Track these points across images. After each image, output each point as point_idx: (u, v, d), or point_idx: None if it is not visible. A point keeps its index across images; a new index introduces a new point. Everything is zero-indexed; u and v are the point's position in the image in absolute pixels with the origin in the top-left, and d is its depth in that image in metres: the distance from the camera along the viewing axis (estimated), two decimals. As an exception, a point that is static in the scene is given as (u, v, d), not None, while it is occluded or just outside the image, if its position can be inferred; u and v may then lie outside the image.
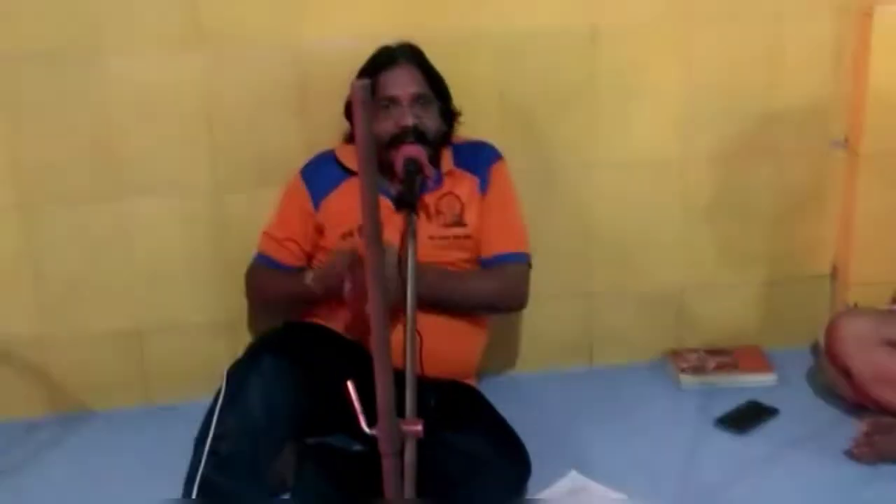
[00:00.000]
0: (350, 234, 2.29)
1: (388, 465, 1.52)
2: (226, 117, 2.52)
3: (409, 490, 1.56)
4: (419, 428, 1.58)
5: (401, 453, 1.58)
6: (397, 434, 1.53)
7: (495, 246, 2.35)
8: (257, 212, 2.50)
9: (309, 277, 2.25)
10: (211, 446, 1.96)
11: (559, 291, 2.76)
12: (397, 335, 1.83)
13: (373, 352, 1.46)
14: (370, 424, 1.50)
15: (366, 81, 1.31)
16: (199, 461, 1.95)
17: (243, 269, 2.51)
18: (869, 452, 2.31)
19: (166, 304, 2.63)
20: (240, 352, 2.20)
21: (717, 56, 2.65)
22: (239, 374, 2.04)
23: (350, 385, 1.52)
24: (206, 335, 2.63)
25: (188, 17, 2.43)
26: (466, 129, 2.48)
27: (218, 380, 2.09)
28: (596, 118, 2.66)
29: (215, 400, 2.03)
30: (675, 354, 2.80)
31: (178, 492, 1.99)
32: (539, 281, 2.60)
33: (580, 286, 2.79)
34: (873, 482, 2.25)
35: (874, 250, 2.74)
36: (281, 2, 2.45)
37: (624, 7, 2.58)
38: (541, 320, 2.75)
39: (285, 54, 2.50)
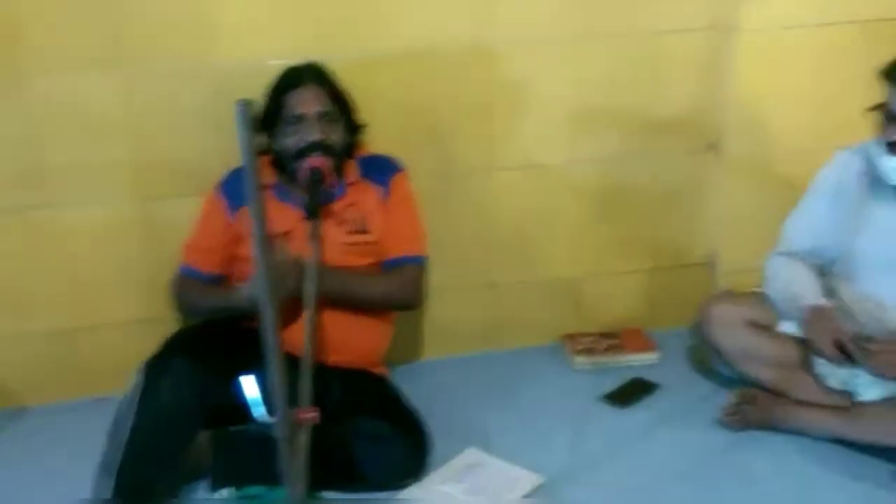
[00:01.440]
0: None
1: (283, 449, 1.53)
2: (146, 131, 2.48)
3: (302, 471, 1.57)
4: (313, 415, 1.60)
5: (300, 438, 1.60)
6: (291, 421, 1.54)
7: (395, 250, 2.36)
8: (178, 218, 2.48)
9: (244, 291, 2.22)
10: (128, 438, 1.94)
11: (465, 283, 2.78)
12: (300, 329, 1.85)
13: (265, 348, 1.47)
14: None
15: (247, 102, 1.33)
16: (114, 451, 1.94)
17: (168, 271, 2.47)
18: (737, 420, 2.37)
19: (97, 304, 2.58)
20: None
21: (601, 68, 2.68)
22: (152, 369, 2.04)
23: (245, 379, 1.53)
24: (135, 331, 2.58)
25: (109, 38, 2.39)
26: (375, 140, 2.48)
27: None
28: (492, 127, 2.67)
29: (129, 394, 2.02)
30: (571, 338, 2.84)
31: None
32: (446, 274, 2.64)
33: (484, 278, 2.81)
34: (742, 446, 2.32)
35: (743, 241, 2.79)
36: (196, 23, 2.43)
37: (516, 25, 2.59)
38: (448, 310, 2.77)
39: (201, 72, 2.46)
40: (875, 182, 2.26)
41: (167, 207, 2.54)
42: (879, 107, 2.15)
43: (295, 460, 1.52)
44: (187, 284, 2.40)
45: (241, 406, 2.04)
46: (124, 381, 2.27)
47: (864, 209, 2.29)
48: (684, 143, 2.80)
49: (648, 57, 2.70)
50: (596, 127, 2.73)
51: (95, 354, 2.62)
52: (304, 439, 1.60)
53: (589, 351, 2.77)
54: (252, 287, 2.17)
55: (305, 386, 1.65)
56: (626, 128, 2.75)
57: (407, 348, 2.76)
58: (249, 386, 1.54)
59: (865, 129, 2.21)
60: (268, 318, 1.46)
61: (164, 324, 2.56)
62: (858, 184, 2.30)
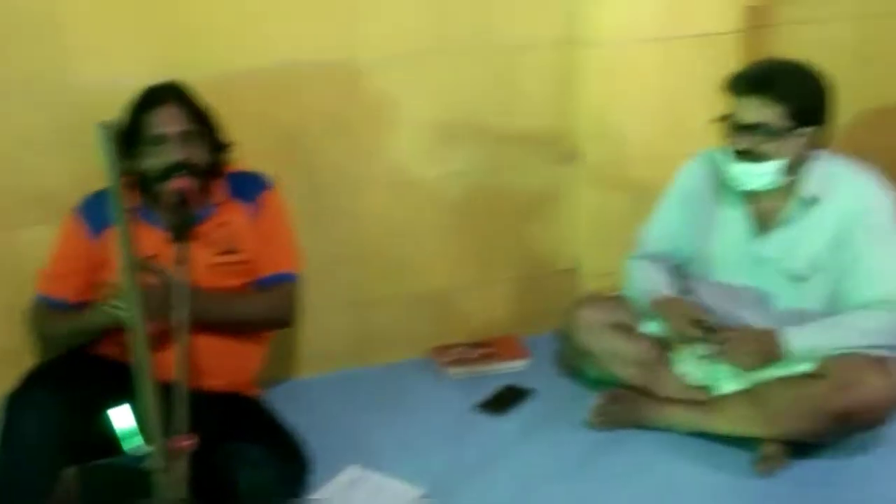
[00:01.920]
0: None
1: (159, 479, 1.48)
2: (-1, 155, 2.37)
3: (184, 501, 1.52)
4: (190, 443, 1.55)
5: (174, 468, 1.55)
6: (166, 451, 1.49)
7: (266, 268, 2.31)
8: (31, 247, 2.36)
9: (98, 312, 2.13)
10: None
11: (335, 300, 2.75)
12: (171, 355, 1.79)
13: (136, 379, 1.42)
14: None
15: (108, 124, 1.28)
16: None
17: (21, 299, 2.34)
18: (605, 421, 2.44)
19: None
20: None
21: (463, 83, 2.72)
22: (13, 403, 1.93)
23: (113, 412, 1.47)
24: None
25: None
26: (239, 159, 2.42)
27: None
28: (359, 142, 2.67)
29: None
30: (440, 350, 2.85)
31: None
32: (315, 292, 2.60)
33: (353, 294, 2.79)
34: (611, 446, 2.38)
35: (605, 246, 2.87)
36: (45, 43, 2.32)
37: (380, 40, 2.60)
38: (319, 328, 2.74)
39: (51, 94, 2.36)
40: (723, 187, 2.38)
41: (18, 236, 2.42)
42: (725, 117, 2.26)
43: (175, 490, 1.47)
44: (46, 313, 2.28)
45: (110, 438, 1.97)
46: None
47: (714, 213, 2.41)
48: (544, 154, 2.86)
49: (506, 71, 2.75)
50: (460, 140, 2.77)
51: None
52: (182, 468, 1.54)
53: (461, 361, 2.79)
54: (117, 310, 2.09)
55: (181, 413, 1.60)
56: (488, 140, 2.80)
57: (279, 368, 2.71)
58: (121, 417, 1.47)
59: (714, 137, 2.32)
60: (139, 345, 1.41)
61: (19, 356, 2.43)
62: (708, 189, 2.42)
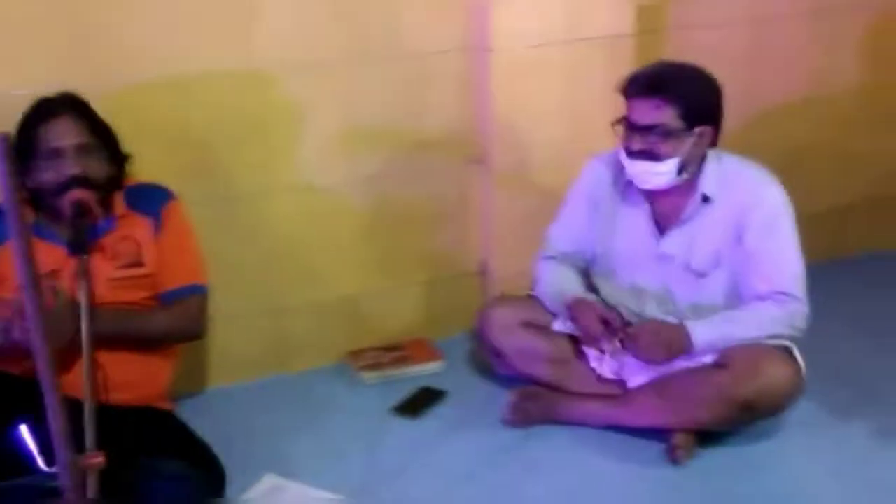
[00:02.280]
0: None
1: (70, 499, 1.43)
2: None
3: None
4: (99, 460, 1.50)
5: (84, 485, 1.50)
6: (77, 469, 1.44)
7: (172, 281, 2.26)
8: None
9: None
10: None
11: (247, 308, 2.72)
12: (79, 371, 1.73)
13: (44, 394, 1.37)
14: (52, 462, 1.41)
15: (5, 134, 1.24)
16: None
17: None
18: (519, 418, 2.46)
19: None
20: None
21: (369, 89, 2.71)
22: None
23: (24, 428, 1.42)
24: None
25: None
26: (141, 168, 2.37)
27: None
28: (269, 150, 2.64)
29: None
30: (354, 354, 2.84)
31: None
32: (227, 301, 2.56)
33: (265, 301, 2.76)
34: (527, 443, 2.41)
35: (513, 248, 2.91)
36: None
37: (283, 47, 2.58)
38: (232, 337, 2.70)
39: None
40: (625, 187, 2.43)
41: None
42: (621, 119, 2.31)
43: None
44: None
45: (14, 457, 1.89)
46: None
47: (617, 213, 2.46)
48: (451, 159, 2.88)
49: (413, 77, 2.76)
50: (367, 146, 2.77)
51: None
52: (92, 485, 1.49)
53: (375, 365, 2.78)
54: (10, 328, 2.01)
55: (90, 430, 1.55)
56: (395, 146, 2.80)
57: (191, 379, 2.66)
58: (27, 436, 1.42)
59: (613, 138, 2.38)
60: (43, 362, 1.36)
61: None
62: (609, 189, 2.47)
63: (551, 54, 2.81)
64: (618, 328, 2.34)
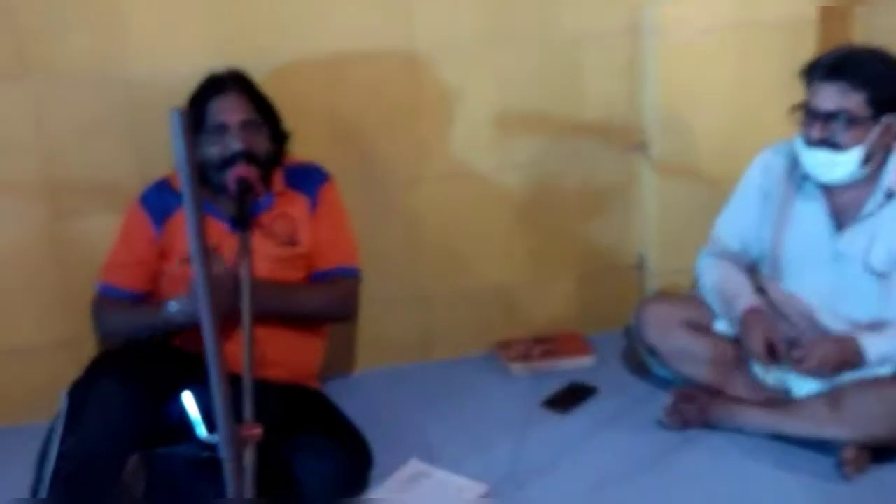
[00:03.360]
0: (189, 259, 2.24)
1: (228, 469, 1.50)
2: (57, 146, 2.41)
3: (249, 491, 1.54)
4: (257, 432, 1.57)
5: (241, 457, 1.57)
6: (236, 439, 1.51)
7: (326, 261, 2.33)
8: (94, 235, 2.42)
9: (173, 308, 2.16)
10: (54, 466, 1.88)
11: (395, 294, 2.76)
12: (236, 345, 1.81)
13: (208, 364, 1.44)
14: (212, 431, 1.48)
15: (183, 110, 1.30)
16: (41, 481, 1.87)
17: (84, 290, 2.39)
18: (677, 420, 2.41)
19: (7, 328, 2.49)
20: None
21: (526, 74, 2.71)
22: (78, 394, 1.97)
23: (186, 396, 1.49)
24: (50, 355, 2.50)
25: (12, 51, 2.33)
26: (300, 149, 2.45)
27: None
28: (420, 134, 2.67)
29: (56, 420, 1.95)
30: (504, 345, 2.84)
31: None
32: (376, 286, 2.61)
33: (415, 288, 2.80)
34: (682, 446, 2.35)
35: (674, 241, 2.85)
36: (105, 35, 2.37)
37: (441, 31, 2.60)
38: (380, 322, 2.75)
39: (113, 83, 2.41)
40: (800, 180, 2.34)
41: (79, 225, 2.48)
42: (800, 106, 2.23)
43: (241, 479, 1.49)
44: (109, 304, 2.33)
45: (174, 426, 2.01)
46: (40, 408, 2.20)
47: (790, 208, 2.37)
48: (611, 146, 2.83)
49: (572, 61, 2.73)
50: (523, 132, 2.76)
51: (7, 381, 2.52)
52: (249, 457, 1.56)
53: (524, 357, 2.78)
54: (182, 303, 2.13)
55: (248, 403, 1.62)
56: (552, 132, 2.78)
57: (339, 361, 2.73)
58: (187, 404, 1.50)
59: (787, 128, 2.28)
60: (209, 334, 1.43)
61: (80, 346, 2.50)
62: (782, 183, 2.38)
63: (723, 39, 2.73)
64: (783, 353, 2.25)
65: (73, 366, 2.32)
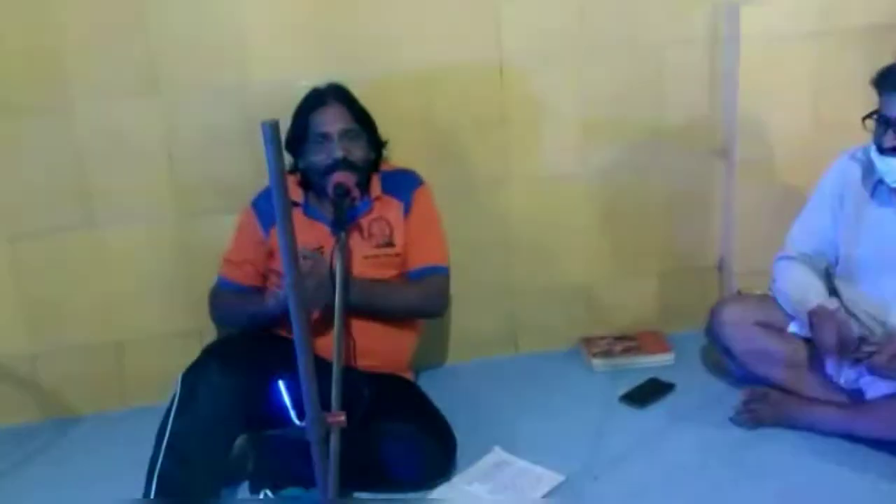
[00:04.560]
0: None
1: (315, 452, 1.52)
2: (183, 153, 2.50)
3: (334, 472, 1.55)
4: (342, 419, 1.58)
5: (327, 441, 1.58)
6: (322, 425, 1.52)
7: (418, 260, 2.33)
8: (216, 234, 2.48)
9: (270, 299, 2.20)
10: (167, 444, 1.94)
11: (484, 291, 2.75)
12: (332, 336, 1.83)
13: (297, 355, 1.46)
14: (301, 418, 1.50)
15: (274, 121, 1.33)
16: (157, 459, 1.94)
17: (207, 284, 2.47)
18: (750, 418, 2.32)
19: (140, 318, 2.60)
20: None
21: (608, 83, 2.66)
22: (190, 378, 2.04)
23: (281, 384, 1.52)
24: (177, 342, 2.59)
25: (145, 65, 2.42)
26: (394, 153, 2.47)
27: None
28: (506, 141, 2.66)
29: (171, 402, 2.02)
30: (587, 341, 2.80)
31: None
32: (466, 282, 2.61)
33: (502, 285, 2.78)
34: (755, 443, 2.27)
35: (753, 243, 2.74)
36: (227, 50, 2.44)
37: (526, 44, 2.58)
38: (469, 317, 2.75)
39: (233, 96, 2.47)
40: (875, 184, 2.22)
41: (206, 224, 2.56)
42: (874, 113, 2.11)
43: (326, 462, 1.50)
44: (224, 296, 2.41)
45: (277, 409, 2.04)
46: (169, 390, 2.28)
47: (864, 212, 2.26)
48: (692, 150, 2.76)
49: (655, 67, 2.67)
50: (606, 137, 2.71)
51: (141, 365, 2.63)
52: (334, 442, 1.57)
53: (606, 353, 2.73)
54: (279, 297, 2.16)
55: (336, 391, 1.63)
56: (635, 137, 2.72)
57: (430, 353, 2.74)
58: (283, 390, 1.52)
59: (865, 134, 2.17)
60: (298, 325, 1.45)
61: (204, 335, 2.59)
62: (858, 188, 2.26)
63: (803, 45, 2.63)
64: (854, 349, 2.14)
65: (195, 349, 2.41)
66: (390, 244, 2.32)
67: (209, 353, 2.11)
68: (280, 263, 2.31)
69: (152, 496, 1.89)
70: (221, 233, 2.46)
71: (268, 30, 2.46)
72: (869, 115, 2.11)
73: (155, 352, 2.62)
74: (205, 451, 1.96)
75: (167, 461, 1.92)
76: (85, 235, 2.51)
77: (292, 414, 1.60)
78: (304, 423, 1.48)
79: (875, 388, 2.18)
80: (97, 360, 2.61)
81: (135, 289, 2.58)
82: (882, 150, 2.09)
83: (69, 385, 2.61)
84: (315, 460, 1.49)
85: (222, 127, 2.50)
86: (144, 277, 2.58)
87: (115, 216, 2.51)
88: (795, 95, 2.67)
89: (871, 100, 2.14)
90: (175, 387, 2.05)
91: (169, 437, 1.95)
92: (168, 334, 2.61)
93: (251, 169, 2.49)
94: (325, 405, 1.59)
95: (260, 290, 2.37)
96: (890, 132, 2.06)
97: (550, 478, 2.15)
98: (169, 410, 2.01)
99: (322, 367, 1.57)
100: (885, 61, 2.20)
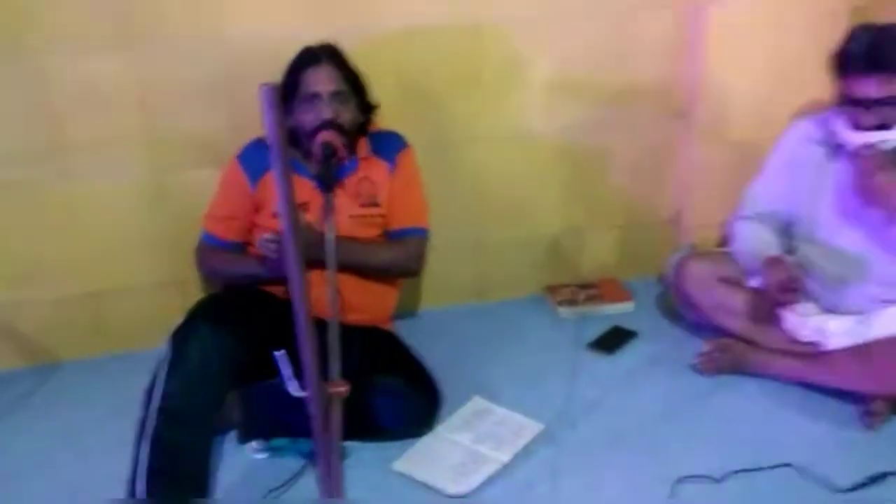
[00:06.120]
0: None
1: (317, 425, 1.33)
2: (159, 105, 2.21)
3: (336, 442, 1.36)
4: (344, 389, 1.39)
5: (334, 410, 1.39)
6: (324, 397, 1.33)
7: (399, 221, 2.14)
8: (194, 187, 2.23)
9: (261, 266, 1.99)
10: (159, 403, 1.72)
11: (455, 242, 2.55)
12: (321, 292, 1.62)
13: (296, 324, 1.26)
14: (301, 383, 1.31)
15: (273, 85, 1.11)
16: (148, 416, 1.72)
17: (186, 236, 2.22)
18: (711, 367, 2.21)
19: (120, 269, 2.34)
20: (189, 305, 1.95)
21: (579, 46, 2.44)
22: (179, 338, 1.81)
23: (278, 354, 1.31)
24: (158, 292, 2.36)
25: (120, 16, 2.11)
26: (377, 113, 2.22)
27: (171, 329, 1.86)
28: (481, 99, 2.43)
29: (160, 363, 1.79)
30: (552, 289, 2.64)
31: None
32: (438, 234, 2.39)
33: (472, 236, 2.59)
34: (717, 390, 2.16)
35: (708, 199, 2.61)
36: (203, 2, 2.14)
37: (502, 6, 2.34)
38: (441, 266, 2.55)
39: (210, 49, 2.18)
40: (833, 148, 2.08)
41: (182, 178, 2.29)
42: (846, 96, 1.95)
43: (329, 433, 1.32)
44: (210, 251, 2.16)
45: (266, 363, 1.83)
46: (150, 337, 2.06)
47: (823, 171, 2.11)
48: (655, 111, 2.57)
49: (623, 32, 2.46)
50: (574, 98, 2.50)
51: (120, 315, 2.38)
52: (337, 412, 1.38)
53: (570, 301, 2.58)
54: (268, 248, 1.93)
55: (334, 360, 1.43)
56: (602, 98, 2.52)
57: (403, 301, 2.51)
58: (282, 361, 1.32)
59: (816, 92, 2.04)
60: (297, 287, 1.25)
61: (186, 286, 2.36)
62: (817, 150, 2.12)
63: (764, 9, 2.44)
64: (798, 290, 2.02)
65: (179, 302, 2.20)
66: (375, 204, 2.11)
67: (197, 313, 1.87)
68: (265, 218, 2.09)
69: (146, 458, 1.67)
70: (197, 186, 2.22)
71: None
72: (841, 98, 1.95)
73: (133, 302, 2.37)
74: (198, 411, 1.75)
75: (160, 423, 1.71)
76: (58, 187, 2.22)
77: (291, 386, 1.40)
78: (303, 393, 1.29)
79: (837, 340, 2.06)
80: (75, 309, 2.35)
81: (110, 241, 2.30)
82: (861, 128, 1.93)
83: (49, 333, 2.36)
84: (316, 433, 1.30)
85: (198, 80, 2.21)
86: (124, 228, 2.31)
87: (90, 169, 2.22)
88: (755, 58, 2.49)
89: (821, 60, 1.97)
90: (164, 349, 1.82)
91: (161, 399, 1.72)
92: (145, 285, 2.37)
93: (228, 123, 2.23)
94: (321, 362, 1.39)
95: (244, 245, 2.14)
96: (867, 112, 1.91)
97: (531, 426, 2.00)
98: (157, 372, 1.78)
99: (314, 323, 1.37)
100: (836, 25, 2.04)
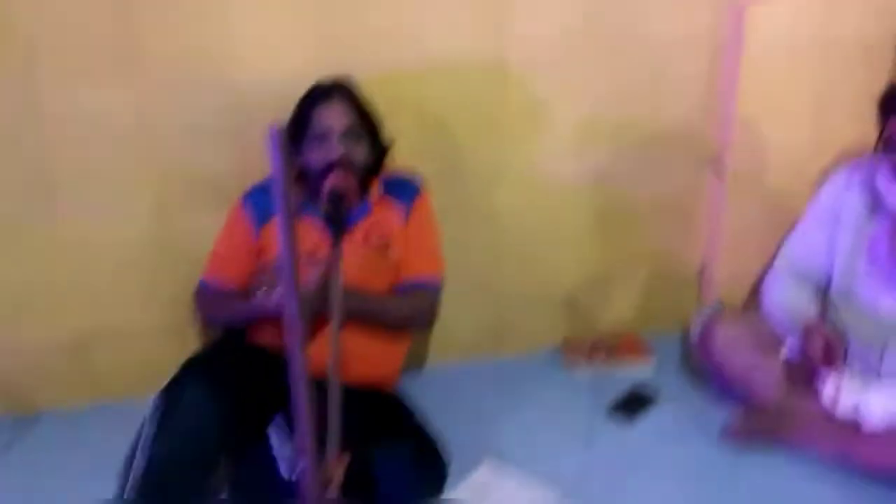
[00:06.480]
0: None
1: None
2: (161, 146, 2.04)
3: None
4: (342, 470, 1.20)
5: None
6: (322, 482, 1.14)
7: (412, 271, 1.96)
8: (195, 230, 2.06)
9: (260, 291, 1.79)
10: (143, 470, 1.53)
11: (469, 290, 2.36)
12: (320, 349, 1.43)
13: (293, 402, 1.07)
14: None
15: (281, 126, 0.93)
16: (128, 483, 1.52)
17: (186, 280, 2.05)
18: (742, 438, 2.00)
19: (113, 314, 2.15)
20: (186, 352, 1.77)
21: (608, 88, 2.28)
22: (167, 401, 1.61)
23: (272, 433, 1.13)
24: (153, 338, 2.17)
25: (125, 52, 1.95)
26: (393, 150, 2.05)
27: (163, 378, 1.67)
28: (504, 141, 2.26)
29: (144, 424, 1.60)
30: (568, 344, 2.45)
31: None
32: (451, 281, 2.21)
33: (486, 284, 2.40)
34: (747, 467, 1.94)
35: (737, 252, 2.43)
36: (213, 39, 1.98)
37: (528, 43, 2.18)
38: (452, 316, 2.33)
39: (217, 88, 2.02)
40: (875, 202, 1.90)
41: (183, 220, 2.11)
42: (883, 137, 1.78)
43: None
44: (209, 295, 1.98)
45: (261, 425, 1.63)
46: (142, 386, 1.86)
47: (863, 227, 1.93)
48: (684, 156, 2.40)
49: (652, 75, 2.30)
50: (600, 142, 2.34)
51: (113, 362, 2.19)
52: (335, 486, 1.19)
53: (587, 357, 2.38)
54: (274, 293, 1.74)
55: (334, 431, 1.24)
56: (628, 143, 2.35)
57: (411, 354, 2.33)
58: (276, 437, 1.13)
59: (860, 147, 1.87)
60: (297, 366, 1.06)
61: (183, 333, 2.18)
62: (858, 204, 1.94)
63: (804, 54, 2.29)
64: (840, 362, 1.85)
65: (176, 348, 2.00)
66: (388, 250, 1.93)
67: (187, 373, 1.67)
68: (269, 264, 1.91)
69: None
70: (202, 228, 2.04)
71: (255, 17, 2.00)
72: (882, 141, 1.77)
73: (123, 348, 2.18)
74: (183, 480, 1.55)
75: (141, 490, 1.51)
76: (47, 228, 2.04)
77: (282, 467, 1.21)
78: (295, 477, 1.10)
79: (873, 416, 1.86)
80: (63, 355, 2.15)
81: (106, 283, 2.12)
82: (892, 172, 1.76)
83: (29, 380, 2.15)
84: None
85: (204, 119, 2.03)
86: (122, 268, 2.13)
87: (85, 208, 2.04)
88: (793, 106, 2.34)
89: (870, 114, 1.81)
90: (152, 406, 1.62)
91: (145, 465, 1.52)
92: (144, 330, 2.18)
93: (234, 165, 2.06)
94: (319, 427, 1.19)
95: (246, 290, 1.95)
96: None
97: (545, 499, 1.80)
98: (140, 434, 1.59)
99: (313, 385, 1.18)
100: (885, 75, 1.87)
